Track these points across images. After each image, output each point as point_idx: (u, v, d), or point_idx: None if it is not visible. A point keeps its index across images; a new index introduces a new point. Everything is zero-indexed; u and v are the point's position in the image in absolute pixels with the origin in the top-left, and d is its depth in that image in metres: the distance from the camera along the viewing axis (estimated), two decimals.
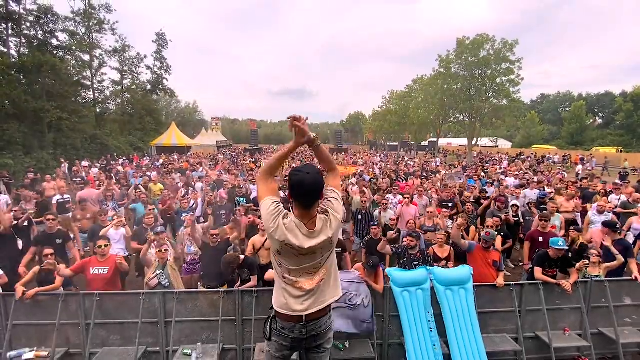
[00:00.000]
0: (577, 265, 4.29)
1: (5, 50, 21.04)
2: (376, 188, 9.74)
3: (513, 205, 7.28)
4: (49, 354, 3.69)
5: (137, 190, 8.10)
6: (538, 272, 4.32)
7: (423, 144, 46.32)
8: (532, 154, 33.10)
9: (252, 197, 8.79)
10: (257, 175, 2.11)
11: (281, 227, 1.76)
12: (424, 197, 7.78)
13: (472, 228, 5.93)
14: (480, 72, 29.32)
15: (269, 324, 1.98)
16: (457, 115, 33.37)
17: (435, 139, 41.84)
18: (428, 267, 4.13)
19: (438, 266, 4.66)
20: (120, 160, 19.86)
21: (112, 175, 12.65)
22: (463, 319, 3.93)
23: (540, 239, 5.22)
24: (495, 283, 4.20)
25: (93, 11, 27.33)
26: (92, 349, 3.83)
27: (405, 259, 4.51)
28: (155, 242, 4.28)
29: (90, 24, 27.30)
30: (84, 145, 23.30)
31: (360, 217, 6.54)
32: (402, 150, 46.56)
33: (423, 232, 5.95)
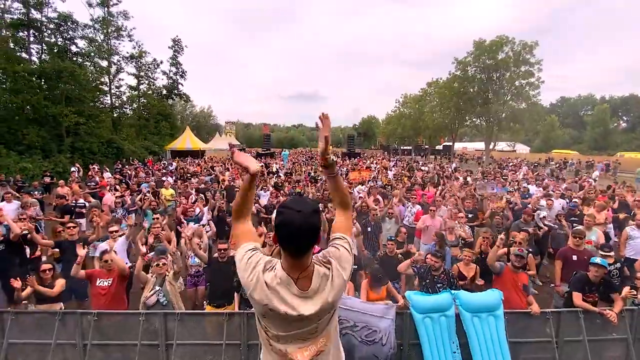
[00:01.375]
0: (624, 293, 3.79)
1: (27, 57, 21.67)
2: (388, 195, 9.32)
3: (542, 217, 6.74)
4: None
5: (146, 198, 7.95)
6: (578, 298, 3.85)
7: (437, 147, 45.35)
8: (549, 158, 31.80)
9: (262, 204, 8.57)
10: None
11: (261, 286, 1.30)
12: (442, 207, 7.33)
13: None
14: (498, 74, 28.49)
15: None
16: (474, 119, 32.50)
17: (450, 143, 40.89)
18: (453, 291, 3.71)
19: (462, 285, 4.26)
20: (134, 165, 20.03)
21: (126, 180, 12.66)
22: (492, 350, 3.51)
23: (574, 257, 4.71)
24: (528, 310, 3.76)
25: (111, 18, 27.97)
26: None
27: (427, 281, 4.08)
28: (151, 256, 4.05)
29: (109, 30, 27.92)
30: (100, 149, 23.70)
31: (370, 229, 6.13)
32: (416, 154, 45.73)
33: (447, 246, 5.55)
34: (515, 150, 50.28)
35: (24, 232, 5.07)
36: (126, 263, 4.86)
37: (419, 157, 41.59)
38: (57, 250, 4.77)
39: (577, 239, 4.74)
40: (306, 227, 1.25)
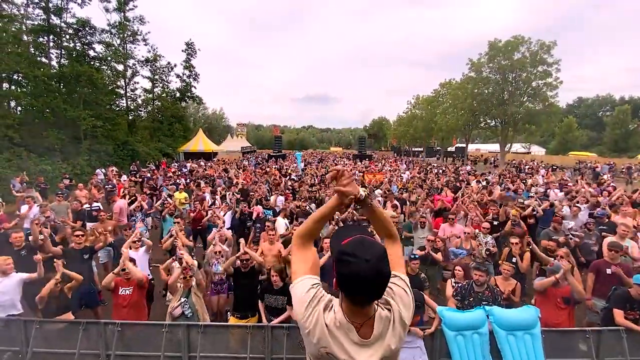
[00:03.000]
0: None
1: (47, 61, 22.22)
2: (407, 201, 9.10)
3: (570, 228, 6.45)
4: None
5: (167, 203, 7.96)
6: (619, 315, 3.62)
7: (449, 149, 44.64)
8: (602, 164, 30.87)
9: (278, 210, 8.48)
10: (292, 239, 1.58)
11: (322, 327, 1.19)
12: (461, 213, 7.11)
13: (527, 254, 5.19)
14: (514, 75, 27.85)
15: None
16: (489, 121, 31.86)
17: (463, 145, 40.20)
18: (487, 307, 3.54)
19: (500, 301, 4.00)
20: (149, 168, 20.29)
21: (142, 184, 12.78)
22: None
23: (609, 271, 4.46)
24: (568, 328, 3.56)
25: (127, 23, 28.49)
26: None
27: (470, 299, 3.77)
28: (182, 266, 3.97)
29: (125, 35, 28.45)
30: (116, 151, 24.12)
31: None
32: (428, 156, 45.12)
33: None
34: (530, 152, 49.07)
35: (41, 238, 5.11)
36: (147, 274, 4.82)
37: (433, 159, 41.04)
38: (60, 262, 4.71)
39: (613, 252, 4.47)
40: (377, 277, 1.11)
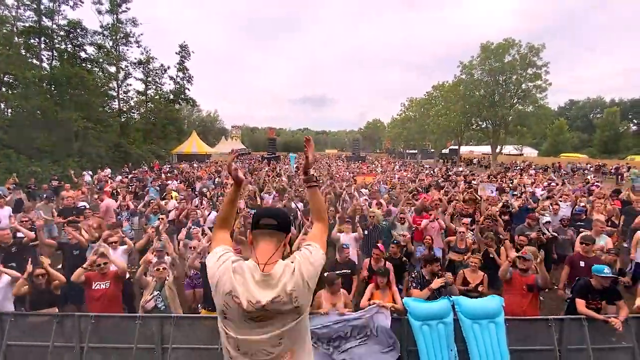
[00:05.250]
0: (636, 305, 3.69)
1: (38, 63, 22.17)
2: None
3: (546, 223, 6.60)
4: None
5: (151, 202, 8.01)
6: (581, 305, 3.75)
7: (444, 151, 45.04)
8: (556, 163, 31.29)
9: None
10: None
11: (228, 272, 1.36)
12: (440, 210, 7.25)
13: (503, 249, 5.32)
14: (504, 77, 28.30)
15: None
16: (480, 123, 32.29)
17: (457, 147, 40.61)
18: (452, 297, 3.65)
19: (465, 291, 4.15)
20: (141, 169, 20.26)
21: (130, 185, 12.78)
22: (492, 358, 3.43)
23: (582, 264, 4.60)
24: (531, 317, 3.68)
25: (120, 25, 28.50)
26: None
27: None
28: (154, 259, 4.04)
29: (117, 37, 28.45)
30: (108, 153, 24.03)
31: (367, 232, 6.08)
32: (422, 158, 45.44)
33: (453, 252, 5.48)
34: (522, 154, 49.63)
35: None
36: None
37: (430, 161, 41.35)
38: (48, 260, 4.73)
39: (585, 245, 4.63)
40: (277, 210, 1.52)
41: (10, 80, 19.81)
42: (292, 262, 1.42)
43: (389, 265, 4.43)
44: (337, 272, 4.21)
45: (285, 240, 1.49)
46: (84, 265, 4.00)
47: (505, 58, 27.53)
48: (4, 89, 19.95)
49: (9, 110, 20.96)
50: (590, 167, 25.98)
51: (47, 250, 5.49)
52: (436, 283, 3.77)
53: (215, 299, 1.41)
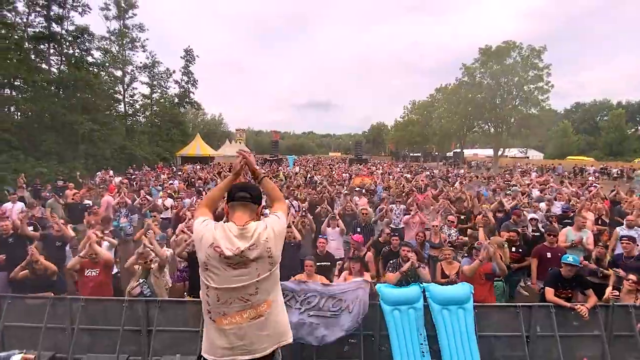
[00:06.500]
0: (606, 295, 3.81)
1: (47, 67, 22.80)
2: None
3: (532, 219, 6.72)
4: (35, 357, 3.72)
5: (145, 199, 8.30)
6: (549, 293, 3.88)
7: (448, 154, 44.95)
8: (557, 165, 31.07)
9: None
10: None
11: (210, 228, 1.63)
12: (430, 208, 7.42)
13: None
14: (506, 80, 28.30)
15: None
16: (482, 125, 32.25)
17: (459, 150, 40.55)
18: (423, 284, 3.81)
19: (445, 283, 4.30)
20: (143, 170, 20.66)
21: (132, 183, 13.13)
22: (461, 343, 3.58)
23: (549, 254, 4.76)
24: (500, 304, 3.82)
25: (127, 30, 29.19)
26: (78, 355, 3.83)
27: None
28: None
29: (124, 42, 29.13)
30: (113, 155, 24.53)
31: (359, 229, 6.26)
32: (425, 161, 45.39)
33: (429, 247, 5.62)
34: (528, 157, 49.28)
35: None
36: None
37: (434, 164, 41.31)
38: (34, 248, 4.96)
39: (551, 236, 4.78)
40: (251, 185, 1.80)
41: (20, 84, 20.41)
42: (264, 221, 1.70)
43: (369, 255, 4.62)
44: (318, 263, 4.40)
45: (257, 210, 1.76)
46: (80, 254, 4.28)
47: (507, 60, 27.56)
48: (14, 93, 20.57)
49: (18, 113, 21.55)
50: (594, 169, 25.80)
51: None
52: (405, 266, 3.94)
53: (199, 254, 1.63)
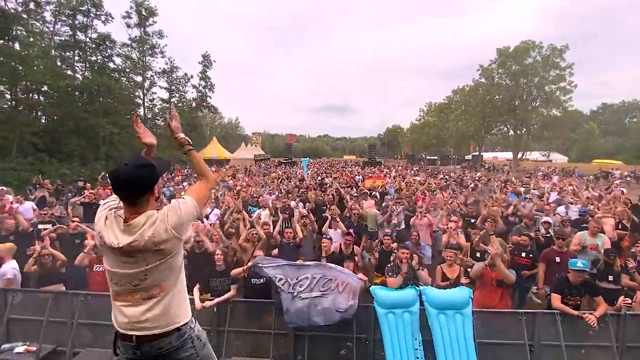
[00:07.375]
0: (618, 303, 3.58)
1: (72, 74, 23.93)
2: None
3: (544, 222, 6.42)
4: (37, 349, 3.84)
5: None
6: (556, 299, 3.67)
7: (466, 157, 43.86)
8: (574, 168, 29.65)
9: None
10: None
11: (102, 216, 1.61)
12: (438, 210, 7.25)
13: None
14: (525, 80, 27.40)
15: (114, 339, 1.73)
16: (501, 127, 31.33)
17: (482, 152, 39.47)
18: (419, 287, 3.69)
19: (445, 286, 4.16)
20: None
21: None
22: (457, 349, 3.44)
23: (557, 259, 4.52)
24: (502, 310, 3.65)
25: (147, 37, 30.22)
26: (78, 349, 3.93)
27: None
28: None
29: (144, 48, 30.16)
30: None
31: (352, 229, 6.18)
32: (442, 164, 44.46)
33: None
34: (551, 160, 47.42)
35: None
36: None
37: (451, 167, 40.40)
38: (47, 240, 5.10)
39: (560, 240, 4.53)
40: (127, 178, 1.51)
41: (46, 90, 21.49)
42: (157, 212, 1.60)
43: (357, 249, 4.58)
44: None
45: (147, 196, 1.59)
46: (85, 250, 4.46)
47: (526, 60, 26.69)
48: (41, 98, 21.68)
49: (44, 118, 22.67)
50: (620, 173, 24.52)
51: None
52: (405, 267, 3.83)
53: (95, 237, 1.67)
